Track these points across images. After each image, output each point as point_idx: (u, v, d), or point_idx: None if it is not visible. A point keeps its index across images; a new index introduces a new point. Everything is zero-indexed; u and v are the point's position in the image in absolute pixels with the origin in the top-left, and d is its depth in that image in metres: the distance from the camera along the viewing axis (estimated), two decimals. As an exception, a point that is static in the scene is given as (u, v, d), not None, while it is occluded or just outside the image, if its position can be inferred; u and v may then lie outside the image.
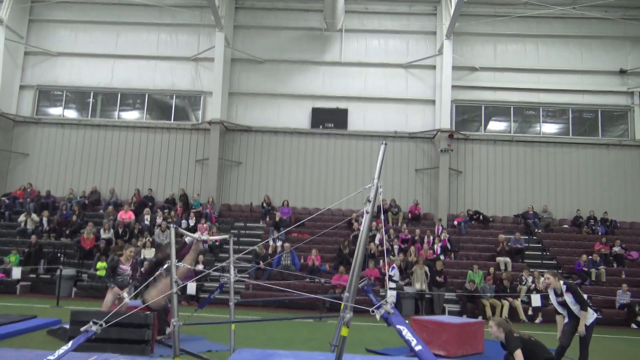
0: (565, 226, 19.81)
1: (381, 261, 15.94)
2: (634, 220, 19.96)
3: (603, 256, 17.10)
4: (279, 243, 17.24)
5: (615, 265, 17.18)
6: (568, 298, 6.75)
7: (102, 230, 17.53)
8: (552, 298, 6.96)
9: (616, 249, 17.49)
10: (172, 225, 5.24)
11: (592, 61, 20.83)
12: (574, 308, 6.74)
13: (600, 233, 18.80)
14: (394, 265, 15.67)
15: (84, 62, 21.55)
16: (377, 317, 3.70)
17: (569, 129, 21.06)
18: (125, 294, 8.92)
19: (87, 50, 21.50)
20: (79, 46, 21.60)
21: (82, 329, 4.09)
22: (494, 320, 6.21)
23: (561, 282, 6.88)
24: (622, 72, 20.67)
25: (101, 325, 4.10)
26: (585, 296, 7.28)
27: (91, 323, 4.09)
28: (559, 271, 16.93)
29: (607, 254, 17.33)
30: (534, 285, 15.07)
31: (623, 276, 16.47)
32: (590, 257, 16.78)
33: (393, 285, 15.09)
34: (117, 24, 21.66)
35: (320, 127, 20.84)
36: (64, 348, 3.96)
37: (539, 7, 19.97)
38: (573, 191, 20.28)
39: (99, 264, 15.51)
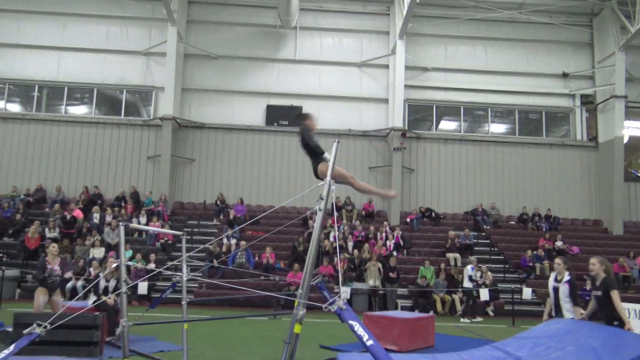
0: (512, 223, 20.58)
1: (335, 258, 16.06)
2: (575, 217, 20.94)
3: (547, 251, 17.88)
4: (233, 241, 17.11)
5: (558, 259, 17.95)
6: (563, 288, 6.99)
7: (47, 230, 16.88)
8: (551, 280, 7.28)
9: (559, 244, 18.31)
10: (122, 223, 5.13)
11: (537, 64, 21.66)
12: (565, 300, 6.96)
13: (544, 229, 19.61)
14: (472, 265, 15.26)
15: (28, 54, 20.63)
16: (332, 309, 3.76)
17: (516, 129, 21.85)
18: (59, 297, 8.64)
19: (31, 42, 20.58)
20: (22, 37, 20.65)
21: (25, 331, 3.96)
22: (597, 258, 6.55)
23: (566, 272, 7.14)
24: (565, 75, 21.61)
25: (45, 327, 3.98)
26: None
27: (35, 325, 3.97)
28: (507, 266, 17.62)
29: (551, 249, 18.12)
30: (482, 279, 15.55)
31: (565, 270, 17.26)
32: (535, 252, 17.53)
33: (470, 285, 14.80)
34: (64, 14, 20.83)
35: (275, 124, 20.79)
36: (5, 352, 3.83)
37: (487, 10, 20.62)
38: (519, 189, 21.07)
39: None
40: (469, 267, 15.27)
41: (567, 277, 7.04)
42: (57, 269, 8.65)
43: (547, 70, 21.64)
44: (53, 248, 8.88)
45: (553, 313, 7.18)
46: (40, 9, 20.77)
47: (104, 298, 9.02)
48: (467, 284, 14.94)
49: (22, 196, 19.11)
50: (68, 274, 8.68)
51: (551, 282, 7.25)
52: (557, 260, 7.31)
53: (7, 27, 20.72)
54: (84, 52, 20.72)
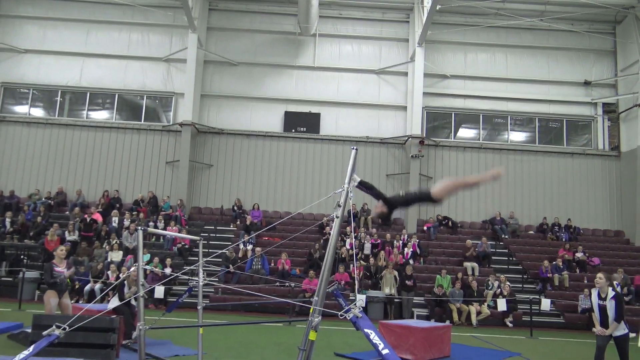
0: (531, 232, 20.27)
1: (351, 265, 16.01)
2: (596, 227, 20.56)
3: (566, 262, 17.57)
4: (249, 247, 17.15)
5: (578, 270, 17.66)
6: (610, 305, 6.82)
7: (66, 232, 17.12)
8: (594, 298, 7.07)
9: (579, 255, 17.99)
10: (140, 227, 5.18)
11: (558, 72, 21.41)
12: (610, 314, 6.82)
13: (564, 239, 19.28)
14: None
15: (52, 60, 21.05)
16: (348, 317, 3.73)
17: (536, 138, 21.59)
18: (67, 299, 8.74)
19: (55, 48, 21.02)
20: (47, 43, 21.10)
21: (45, 333, 4.01)
22: (604, 274, 6.77)
23: (610, 288, 6.96)
24: (587, 83, 21.31)
25: (64, 329, 4.02)
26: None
27: (54, 327, 4.00)
28: (526, 277, 17.36)
29: (571, 260, 17.81)
30: (500, 290, 15.36)
31: (585, 281, 16.93)
32: (554, 262, 17.24)
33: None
34: (87, 22, 21.24)
35: (293, 131, 20.85)
36: (25, 353, 3.87)
37: (508, 18, 20.46)
38: (539, 198, 20.77)
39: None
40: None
41: (612, 293, 6.86)
42: (64, 270, 8.71)
43: (569, 78, 21.37)
44: (61, 252, 8.90)
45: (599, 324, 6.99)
46: (65, 17, 21.20)
47: (128, 297, 9.05)
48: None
49: (43, 199, 19.45)
50: (68, 272, 8.73)
51: (595, 300, 7.04)
52: (599, 275, 7.06)
53: (33, 34, 21.18)
54: (106, 58, 21.07)
